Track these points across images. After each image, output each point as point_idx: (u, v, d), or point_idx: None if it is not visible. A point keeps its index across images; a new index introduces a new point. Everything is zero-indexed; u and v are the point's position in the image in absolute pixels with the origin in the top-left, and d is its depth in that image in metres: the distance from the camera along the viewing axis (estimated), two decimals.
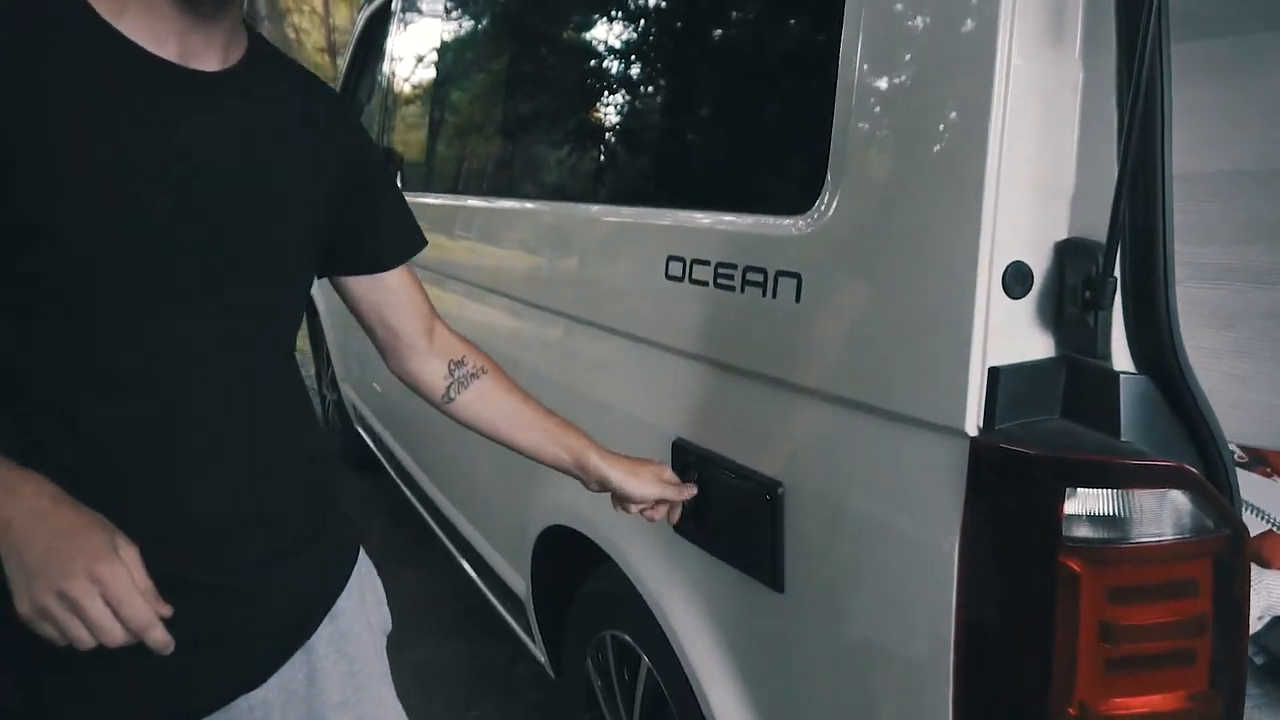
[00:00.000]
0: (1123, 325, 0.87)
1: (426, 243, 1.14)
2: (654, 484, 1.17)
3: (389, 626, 1.20)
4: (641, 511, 1.19)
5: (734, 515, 1.20)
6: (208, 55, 0.87)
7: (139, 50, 0.82)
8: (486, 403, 1.15)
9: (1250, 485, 1.46)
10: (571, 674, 1.86)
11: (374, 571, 1.18)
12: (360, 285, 1.09)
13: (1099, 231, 0.87)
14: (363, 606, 1.12)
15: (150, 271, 0.83)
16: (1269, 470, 1.63)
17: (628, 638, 1.58)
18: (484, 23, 2.41)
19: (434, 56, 2.68)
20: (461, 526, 2.37)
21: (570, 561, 1.77)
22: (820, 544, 1.07)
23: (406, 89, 3.05)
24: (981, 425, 0.88)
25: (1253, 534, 1.10)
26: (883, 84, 0.96)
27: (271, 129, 0.93)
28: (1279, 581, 1.24)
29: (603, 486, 1.16)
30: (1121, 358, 0.87)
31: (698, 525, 1.25)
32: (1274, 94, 1.68)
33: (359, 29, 3.61)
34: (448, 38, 2.62)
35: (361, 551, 1.16)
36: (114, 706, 0.88)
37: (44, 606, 0.71)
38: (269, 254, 0.93)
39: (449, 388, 1.14)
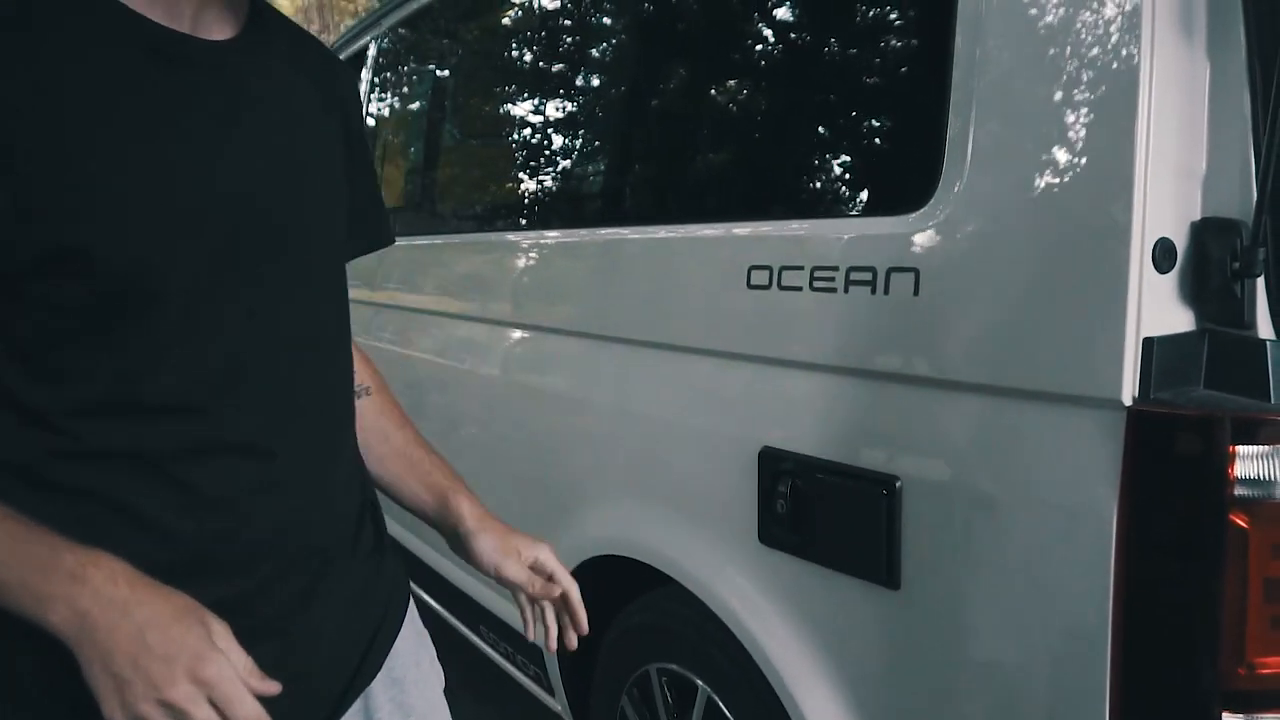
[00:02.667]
0: (1265, 295, 0.92)
1: (395, 239, 1.07)
2: (522, 571, 0.99)
3: (443, 679, 1.06)
4: (516, 595, 1.02)
5: (839, 516, 1.19)
6: (222, 23, 0.78)
7: (152, 26, 0.72)
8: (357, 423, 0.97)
9: None
10: (600, 718, 1.79)
11: (418, 616, 1.04)
12: None
13: (1229, 210, 0.94)
14: (417, 651, 1.00)
15: (198, 276, 0.72)
16: None
17: (677, 668, 1.54)
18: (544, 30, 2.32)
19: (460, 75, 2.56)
20: (457, 580, 2.28)
21: (601, 597, 1.72)
22: (944, 534, 1.08)
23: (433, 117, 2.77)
24: (1137, 395, 0.91)
25: None
26: (1010, 80, 1.02)
27: (290, 96, 0.85)
28: None
29: (458, 543, 1.00)
30: (1262, 328, 0.93)
31: (793, 532, 1.24)
32: None
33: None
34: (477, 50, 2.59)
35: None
36: None
37: (142, 716, 0.62)
38: (317, 236, 0.85)
39: None
